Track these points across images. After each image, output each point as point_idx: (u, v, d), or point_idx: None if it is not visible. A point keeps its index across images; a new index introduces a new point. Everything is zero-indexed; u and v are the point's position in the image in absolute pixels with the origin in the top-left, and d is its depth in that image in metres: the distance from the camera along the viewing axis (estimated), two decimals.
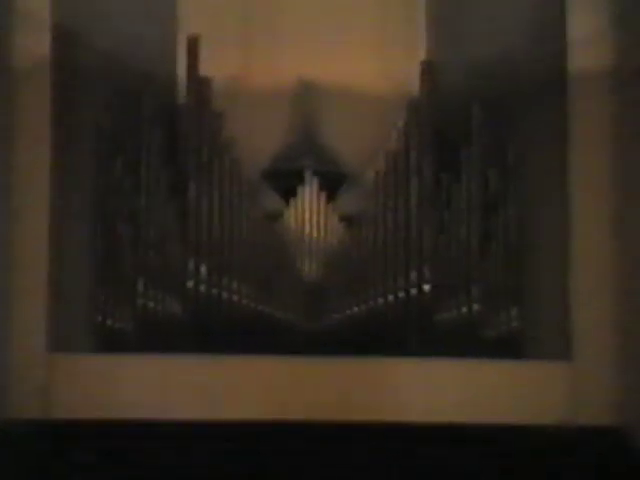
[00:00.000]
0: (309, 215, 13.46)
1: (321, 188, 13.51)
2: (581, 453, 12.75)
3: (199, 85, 13.47)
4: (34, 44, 13.51)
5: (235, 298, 13.06)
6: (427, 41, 14.24)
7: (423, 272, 13.18)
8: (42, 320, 12.95)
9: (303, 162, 13.63)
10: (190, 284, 12.99)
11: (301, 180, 13.52)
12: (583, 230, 13.43)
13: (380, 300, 13.24)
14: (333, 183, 13.75)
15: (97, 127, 13.43)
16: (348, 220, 13.65)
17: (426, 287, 13.16)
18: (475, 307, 13.25)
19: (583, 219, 13.45)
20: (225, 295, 13.03)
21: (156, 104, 13.54)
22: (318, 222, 13.46)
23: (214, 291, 13.06)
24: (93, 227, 13.26)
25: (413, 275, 13.17)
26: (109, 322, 13.09)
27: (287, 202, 13.55)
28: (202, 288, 13.01)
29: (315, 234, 13.41)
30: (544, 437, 12.77)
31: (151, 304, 13.08)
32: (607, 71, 13.55)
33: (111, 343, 13.12)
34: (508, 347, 13.33)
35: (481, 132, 13.59)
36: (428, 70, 13.70)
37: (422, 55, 14.07)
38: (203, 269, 13.00)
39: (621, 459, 12.68)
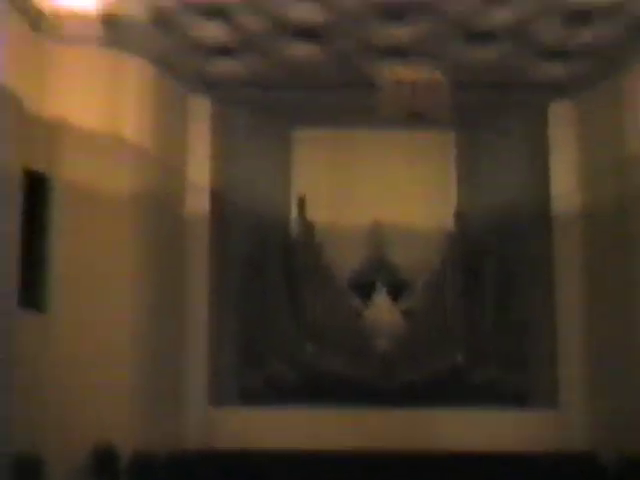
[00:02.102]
0: (381, 311, 20.12)
1: (388, 293, 20.35)
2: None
3: (306, 226, 20.78)
4: (198, 203, 20.43)
5: (333, 365, 19.50)
6: (457, 195, 22.06)
7: (457, 347, 19.65)
8: (203, 378, 19.72)
9: (375, 276, 20.68)
10: (303, 356, 19.53)
11: (374, 289, 20.41)
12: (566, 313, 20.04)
13: (430, 366, 19.59)
14: (396, 289, 20.55)
15: (241, 258, 20.58)
16: (408, 313, 20.36)
17: (459, 357, 19.59)
18: (493, 372, 19.59)
19: (566, 308, 20.03)
20: (326, 363, 19.49)
21: (278, 238, 20.83)
22: (387, 315, 20.10)
23: (319, 361, 19.50)
24: (240, 317, 20.21)
25: (449, 348, 19.62)
26: (248, 384, 19.65)
27: (366, 303, 20.29)
28: (312, 359, 19.53)
29: (385, 323, 19.99)
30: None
31: (278, 370, 19.60)
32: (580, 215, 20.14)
33: (251, 399, 19.70)
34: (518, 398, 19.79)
35: (493, 259, 20.52)
36: (458, 218, 21.23)
37: (454, 203, 21.92)
38: (311, 346, 19.59)
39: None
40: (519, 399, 19.76)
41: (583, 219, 20.26)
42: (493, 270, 20.45)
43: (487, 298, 20.27)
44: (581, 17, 17.90)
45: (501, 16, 17.95)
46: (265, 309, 20.08)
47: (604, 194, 19.72)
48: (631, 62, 19.00)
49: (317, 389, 19.34)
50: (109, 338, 18.01)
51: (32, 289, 17.62)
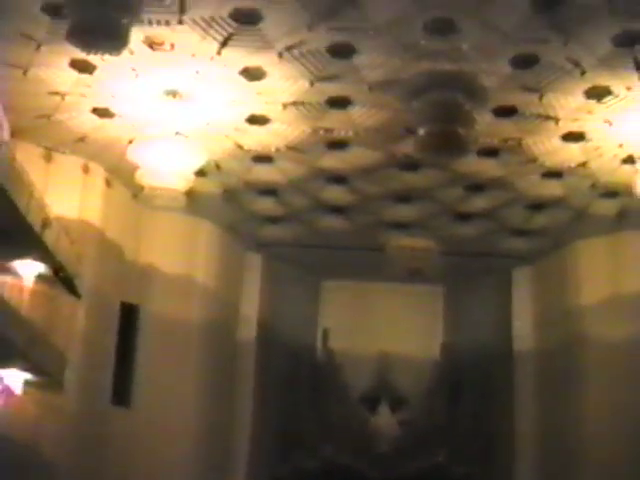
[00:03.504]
0: (383, 420, 22.34)
1: (389, 406, 22.55)
2: None
3: (328, 352, 23.18)
4: (247, 332, 22.45)
5: (345, 460, 21.52)
6: (443, 333, 24.03)
7: (440, 448, 21.68)
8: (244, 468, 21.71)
9: (380, 393, 22.86)
10: (323, 452, 21.42)
11: (379, 403, 22.59)
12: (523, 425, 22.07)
13: (419, 462, 21.48)
14: (395, 403, 22.73)
15: (278, 375, 22.47)
16: (403, 422, 22.44)
17: (442, 456, 21.60)
18: (468, 467, 21.60)
19: (523, 421, 22.01)
20: (341, 458, 21.49)
21: (307, 361, 23.06)
22: (387, 423, 22.34)
23: (335, 456, 21.45)
24: (276, 420, 22.25)
25: (434, 449, 21.66)
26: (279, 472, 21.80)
27: (372, 414, 22.45)
28: (330, 454, 21.42)
29: (386, 429, 22.16)
30: None
31: (304, 462, 21.54)
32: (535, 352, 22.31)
33: None
34: None
35: (470, 381, 22.56)
36: (444, 349, 23.46)
37: (441, 339, 23.85)
38: (329, 445, 21.52)
39: None
40: None
41: (537, 355, 22.18)
42: (470, 390, 22.46)
43: (464, 412, 22.25)
44: (537, 205, 19.74)
45: (478, 203, 19.77)
46: (295, 415, 22.17)
47: (554, 336, 21.59)
48: (573, 240, 21.01)
49: (332, 477, 21.30)
50: (176, 429, 19.77)
51: (121, 391, 19.45)
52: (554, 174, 18.30)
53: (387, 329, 23.58)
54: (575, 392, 20.54)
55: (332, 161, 18.23)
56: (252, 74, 15.05)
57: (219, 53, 14.32)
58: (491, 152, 17.57)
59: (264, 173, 18.92)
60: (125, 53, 13.13)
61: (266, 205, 20.41)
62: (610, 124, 16.23)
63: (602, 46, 13.80)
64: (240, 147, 17.72)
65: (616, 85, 14.96)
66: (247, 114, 16.45)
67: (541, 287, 22.38)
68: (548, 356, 21.78)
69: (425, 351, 23.35)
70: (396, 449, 21.83)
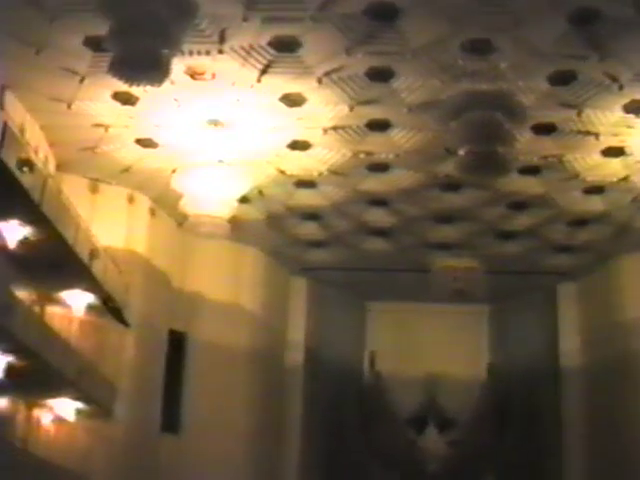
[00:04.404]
0: (430, 442, 22.31)
1: (436, 428, 22.52)
2: None
3: (375, 375, 23.30)
4: (295, 357, 22.51)
5: None
6: (489, 353, 23.90)
7: (488, 469, 21.63)
8: None
9: (427, 415, 22.84)
10: (372, 476, 21.59)
11: (426, 424, 22.55)
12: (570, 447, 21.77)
13: None
14: (443, 425, 22.71)
15: (326, 399, 22.50)
16: (451, 443, 22.42)
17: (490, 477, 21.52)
18: None
19: (570, 443, 21.76)
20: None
21: (355, 384, 23.08)
22: (435, 445, 22.28)
23: (383, 477, 21.59)
24: (323, 443, 22.32)
25: (482, 470, 21.61)
26: None
27: (419, 435, 22.36)
28: (378, 478, 21.54)
29: (433, 451, 22.10)
30: None
31: None
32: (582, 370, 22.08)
33: None
34: None
35: (517, 401, 22.48)
36: (490, 370, 23.41)
37: (487, 359, 23.80)
38: (377, 467, 21.50)
39: None
40: None
41: (584, 372, 21.96)
42: (517, 409, 22.39)
43: (512, 432, 22.17)
44: (580, 221, 19.60)
45: (521, 221, 19.71)
46: (343, 438, 22.23)
47: (601, 353, 21.41)
48: (617, 254, 20.90)
49: None
50: (225, 455, 19.76)
51: (170, 419, 19.53)
52: (595, 189, 18.19)
53: (433, 350, 23.55)
54: (624, 409, 20.21)
55: (373, 184, 18.25)
56: (292, 100, 15.11)
57: (259, 81, 14.39)
58: (532, 170, 17.52)
59: (306, 198, 18.99)
60: (167, 84, 13.15)
61: (309, 229, 20.50)
62: None
63: (639, 60, 13.67)
64: (282, 173, 17.83)
65: None
66: (288, 140, 16.54)
67: (586, 303, 22.21)
68: (595, 373, 21.51)
69: (472, 371, 23.31)
70: (444, 470, 21.80)
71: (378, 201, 19.15)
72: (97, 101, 15.24)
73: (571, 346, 22.23)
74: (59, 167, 17.16)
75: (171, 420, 19.57)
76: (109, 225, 17.71)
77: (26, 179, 12.23)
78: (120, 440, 17.30)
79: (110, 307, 16.54)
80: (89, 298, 16.06)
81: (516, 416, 22.15)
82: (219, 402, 19.94)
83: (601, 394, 21.23)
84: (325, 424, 22.38)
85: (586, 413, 21.57)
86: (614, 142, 16.37)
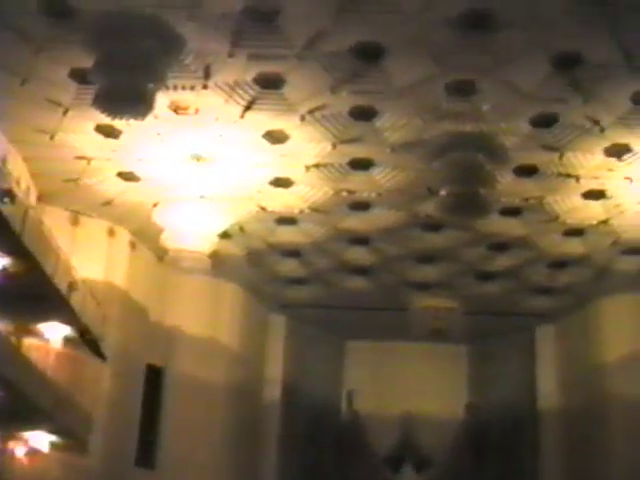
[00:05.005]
0: None
1: (413, 467, 22.47)
2: None
3: (353, 413, 23.17)
4: (272, 393, 22.43)
5: None
6: (467, 393, 23.79)
7: None
8: None
9: (404, 453, 22.81)
10: None
11: (403, 463, 22.45)
12: None
13: None
14: (419, 464, 22.70)
15: (302, 436, 22.43)
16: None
17: None
18: None
19: None
20: None
21: (332, 421, 22.97)
22: None
23: None
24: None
25: None
26: None
27: (396, 474, 22.18)
28: None
29: None
30: None
31: None
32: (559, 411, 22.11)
33: None
34: None
35: (494, 441, 22.35)
36: (467, 409, 23.35)
37: (464, 399, 23.65)
38: None
39: None
40: None
41: (562, 414, 21.98)
42: (494, 450, 22.43)
43: (489, 472, 22.22)
44: (559, 264, 19.64)
45: (501, 262, 19.72)
46: (319, 476, 22.20)
47: (578, 395, 21.47)
48: (596, 297, 20.98)
49: None
50: None
51: (146, 453, 19.46)
52: (576, 232, 18.24)
53: (411, 389, 23.49)
54: (601, 451, 20.23)
55: (355, 222, 18.26)
56: (275, 137, 15.13)
57: (242, 117, 14.42)
58: (513, 211, 17.56)
59: (287, 235, 18.98)
60: (150, 118, 13.17)
61: (290, 266, 20.48)
62: (630, 181, 16.17)
63: (621, 104, 13.81)
64: (263, 209, 17.83)
65: (635, 142, 14.94)
66: (270, 177, 16.57)
67: (565, 345, 22.24)
68: (573, 415, 21.57)
69: (450, 411, 23.23)
70: None
71: (359, 239, 19.12)
72: (80, 133, 15.23)
73: (549, 387, 22.28)
74: (40, 198, 17.12)
75: (147, 455, 19.44)
76: (89, 257, 17.66)
77: (7, 210, 12.16)
78: (95, 473, 17.14)
79: (87, 339, 16.33)
80: (66, 330, 15.81)
81: (493, 456, 22.17)
82: (196, 438, 19.81)
83: (578, 435, 21.27)
84: (302, 461, 22.29)
85: (563, 454, 21.57)
86: (595, 185, 16.42)
